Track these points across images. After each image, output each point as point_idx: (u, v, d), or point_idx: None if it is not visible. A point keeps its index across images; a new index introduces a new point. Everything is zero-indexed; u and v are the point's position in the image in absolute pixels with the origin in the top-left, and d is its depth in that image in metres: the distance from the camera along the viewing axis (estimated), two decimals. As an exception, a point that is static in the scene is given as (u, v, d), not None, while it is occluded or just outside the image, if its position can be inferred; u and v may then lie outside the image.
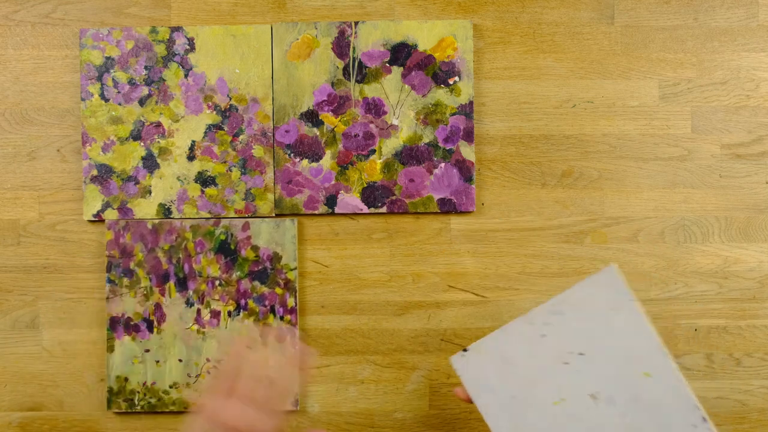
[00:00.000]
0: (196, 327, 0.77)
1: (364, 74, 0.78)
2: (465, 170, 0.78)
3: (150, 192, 0.78)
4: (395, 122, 0.78)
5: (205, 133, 0.78)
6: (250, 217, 0.78)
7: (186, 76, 0.78)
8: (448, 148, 0.78)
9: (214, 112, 0.78)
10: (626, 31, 0.79)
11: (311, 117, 0.78)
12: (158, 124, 0.78)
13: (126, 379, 0.77)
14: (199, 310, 0.77)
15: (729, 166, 0.79)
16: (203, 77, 0.78)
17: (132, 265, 0.77)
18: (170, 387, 0.77)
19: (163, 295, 0.77)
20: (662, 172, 0.79)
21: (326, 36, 0.78)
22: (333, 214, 0.78)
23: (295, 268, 0.77)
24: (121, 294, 0.77)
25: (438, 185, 0.78)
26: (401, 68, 0.78)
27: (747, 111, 0.79)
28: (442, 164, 0.78)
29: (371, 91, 0.78)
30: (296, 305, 0.77)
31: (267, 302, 0.77)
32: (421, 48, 0.78)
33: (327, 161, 0.78)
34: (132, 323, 0.77)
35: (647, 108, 0.79)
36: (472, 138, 0.77)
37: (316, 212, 0.78)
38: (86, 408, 0.79)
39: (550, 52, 0.79)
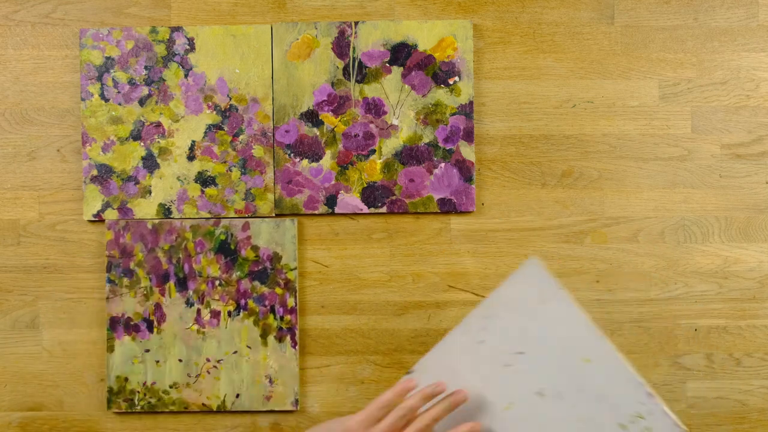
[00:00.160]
0: (196, 327, 0.77)
1: (364, 74, 0.78)
2: (465, 170, 0.78)
3: (150, 192, 0.78)
4: (395, 122, 0.78)
5: (205, 133, 0.78)
6: (250, 217, 0.78)
7: (186, 76, 0.78)
8: (448, 148, 0.78)
9: (214, 112, 0.78)
10: (626, 31, 0.79)
11: (311, 117, 0.78)
12: (158, 124, 0.78)
13: (126, 379, 0.77)
14: (199, 310, 0.77)
15: (729, 166, 0.79)
16: (203, 77, 0.78)
17: (132, 265, 0.77)
18: (170, 387, 0.77)
19: (163, 295, 0.77)
20: (662, 172, 0.79)
21: (326, 36, 0.78)
22: (333, 214, 0.78)
23: (295, 268, 0.77)
24: (121, 294, 0.77)
25: (438, 185, 0.78)
26: (401, 68, 0.78)
27: (747, 111, 0.79)
28: (442, 164, 0.78)
29: (371, 91, 0.78)
30: (296, 305, 0.77)
31: (267, 302, 0.77)
32: (421, 48, 0.78)
33: (327, 161, 0.78)
34: (132, 323, 0.77)
35: (647, 108, 0.79)
36: (472, 138, 0.77)
37: (316, 212, 0.78)
38: (86, 408, 0.79)
39: (550, 52, 0.79)
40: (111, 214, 0.78)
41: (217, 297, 0.77)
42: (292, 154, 0.78)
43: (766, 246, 0.79)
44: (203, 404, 0.77)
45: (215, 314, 0.77)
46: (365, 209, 0.78)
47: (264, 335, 0.77)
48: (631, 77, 0.79)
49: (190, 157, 0.78)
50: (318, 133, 0.78)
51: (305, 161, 0.78)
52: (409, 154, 0.78)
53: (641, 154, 0.79)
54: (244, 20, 0.79)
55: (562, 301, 0.61)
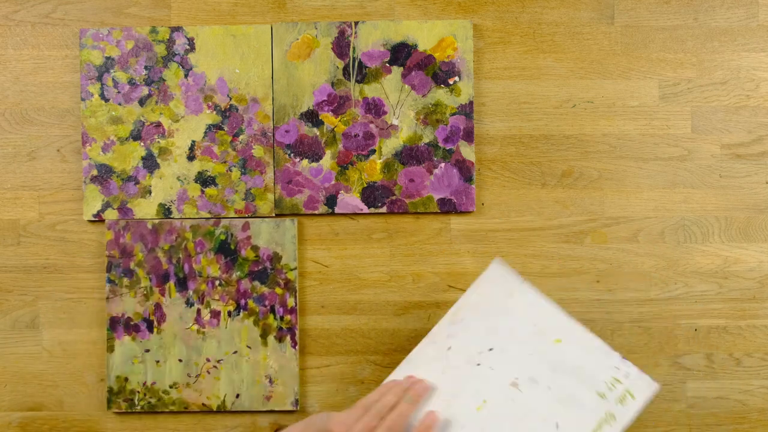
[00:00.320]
0: (196, 327, 0.77)
1: (364, 74, 0.78)
2: (465, 170, 0.78)
3: (150, 192, 0.78)
4: (395, 122, 0.78)
5: (205, 133, 0.78)
6: (250, 217, 0.78)
7: (186, 76, 0.78)
8: (448, 148, 0.78)
9: (214, 112, 0.78)
10: (626, 31, 0.79)
11: (311, 117, 0.78)
12: (158, 124, 0.78)
13: (126, 379, 0.77)
14: (199, 310, 0.77)
15: (729, 166, 0.79)
16: (203, 77, 0.78)
17: (132, 265, 0.77)
18: (170, 387, 0.77)
19: (163, 295, 0.77)
20: (662, 172, 0.79)
21: (326, 36, 0.78)
22: (333, 214, 0.78)
23: (295, 268, 0.77)
24: (121, 294, 0.77)
25: (438, 185, 0.78)
26: (401, 68, 0.78)
27: (747, 111, 0.79)
28: (442, 164, 0.78)
29: (371, 91, 0.78)
30: (296, 305, 0.77)
31: (267, 302, 0.77)
32: (421, 48, 0.78)
33: (327, 161, 0.78)
34: (132, 323, 0.77)
35: (647, 108, 0.79)
36: (472, 138, 0.77)
37: (316, 212, 0.78)
38: (86, 408, 0.79)
39: (550, 52, 0.79)
40: (111, 214, 0.78)
41: (217, 297, 0.77)
42: (292, 154, 0.78)
43: (766, 246, 0.79)
44: (203, 404, 0.77)
45: (215, 314, 0.77)
46: (365, 209, 0.78)
47: (264, 335, 0.77)
48: (631, 77, 0.79)
49: (190, 157, 0.78)
50: (318, 133, 0.78)
51: (305, 161, 0.78)
52: (409, 154, 0.78)
53: (641, 154, 0.79)
54: (244, 20, 0.79)
55: (528, 293, 0.62)
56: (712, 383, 0.79)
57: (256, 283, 0.77)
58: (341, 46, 0.78)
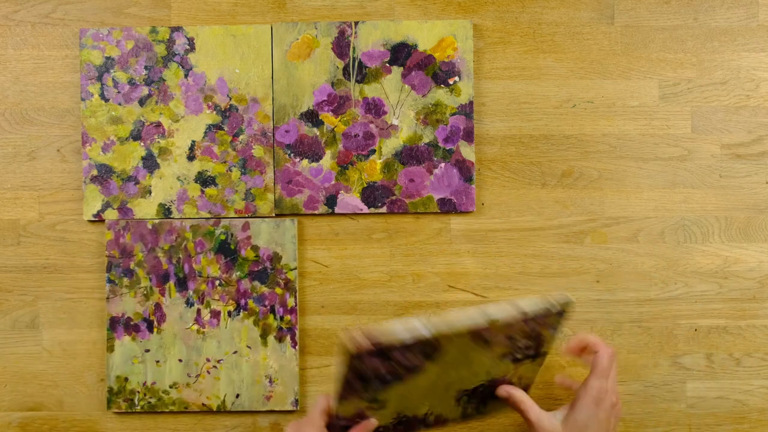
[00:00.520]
0: (196, 327, 0.77)
1: (364, 74, 0.78)
2: (465, 170, 0.78)
3: (150, 192, 0.78)
4: (395, 122, 0.78)
5: (205, 133, 0.78)
6: (250, 217, 0.78)
7: (186, 76, 0.78)
8: (448, 148, 0.78)
9: (214, 112, 0.78)
10: (626, 31, 0.79)
11: (311, 117, 0.78)
12: (158, 124, 0.78)
13: (126, 379, 0.77)
14: (199, 310, 0.77)
15: (729, 166, 0.79)
16: (203, 77, 0.78)
17: (132, 265, 0.77)
18: (170, 387, 0.77)
19: (163, 295, 0.77)
20: (662, 172, 0.79)
21: (326, 36, 0.78)
22: (333, 214, 0.78)
23: (295, 268, 0.77)
24: (121, 294, 0.77)
25: (438, 185, 0.78)
26: (401, 68, 0.78)
27: (747, 111, 0.79)
28: (442, 164, 0.78)
29: (371, 91, 0.78)
30: (296, 305, 0.77)
31: (267, 302, 0.77)
32: (421, 48, 0.78)
33: (327, 161, 0.78)
34: (132, 323, 0.77)
35: (647, 108, 0.79)
36: (472, 138, 0.77)
37: (316, 212, 0.78)
38: (86, 408, 0.79)
39: (550, 52, 0.79)
40: (111, 214, 0.78)
41: (217, 297, 0.77)
42: (292, 154, 0.78)
43: (766, 246, 0.79)
44: (203, 404, 0.77)
45: (215, 314, 0.77)
46: (365, 209, 0.78)
47: (264, 335, 0.77)
48: (631, 77, 0.79)
49: (190, 157, 0.78)
50: (318, 133, 0.78)
51: (305, 161, 0.78)
52: (409, 154, 0.78)
53: (641, 154, 0.79)
54: (244, 20, 0.79)
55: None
56: (712, 383, 0.79)
57: (256, 283, 0.77)
58: (341, 46, 0.78)
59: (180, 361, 0.77)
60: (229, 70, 0.78)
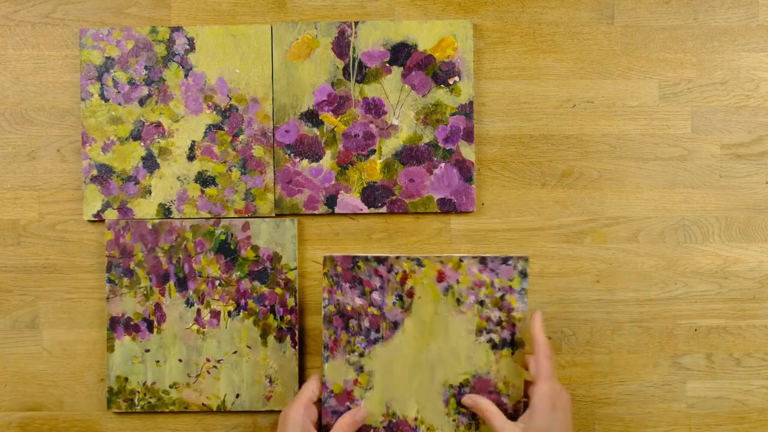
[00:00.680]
0: (196, 327, 0.77)
1: (364, 74, 0.78)
2: (465, 170, 0.78)
3: (150, 192, 0.78)
4: (395, 122, 0.78)
5: (205, 133, 0.78)
6: (250, 217, 0.78)
7: (186, 76, 0.78)
8: (448, 148, 0.78)
9: (214, 112, 0.78)
10: (626, 31, 0.79)
11: (311, 117, 0.78)
12: (158, 124, 0.78)
13: (126, 379, 0.77)
14: (199, 310, 0.77)
15: (729, 166, 0.79)
16: (203, 77, 0.78)
17: (132, 265, 0.77)
18: (170, 387, 0.77)
19: (163, 295, 0.77)
20: (662, 172, 0.79)
21: (326, 36, 0.78)
22: (333, 214, 0.78)
23: (295, 268, 0.77)
24: (121, 294, 0.77)
25: (438, 185, 0.78)
26: (401, 68, 0.78)
27: (747, 111, 0.79)
28: (442, 164, 0.78)
29: (371, 91, 0.78)
30: (296, 305, 0.77)
31: (267, 302, 0.77)
32: (421, 48, 0.78)
33: (327, 161, 0.78)
34: (132, 323, 0.77)
35: (647, 108, 0.79)
36: (472, 138, 0.77)
37: (316, 212, 0.78)
38: (86, 408, 0.79)
39: (550, 52, 0.79)
40: (111, 214, 0.78)
41: (217, 297, 0.77)
42: (292, 154, 0.78)
43: (766, 246, 0.79)
44: (203, 404, 0.77)
45: (215, 314, 0.77)
46: (365, 209, 0.78)
47: (264, 335, 0.77)
48: (631, 77, 0.79)
49: (190, 157, 0.78)
50: (318, 133, 0.78)
51: (305, 161, 0.78)
52: (409, 154, 0.78)
53: (641, 154, 0.79)
54: (244, 20, 0.79)
55: None
56: (712, 383, 0.79)
57: (256, 283, 0.77)
58: (341, 46, 0.78)
59: (180, 361, 0.77)
60: (229, 70, 0.78)
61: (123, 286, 0.77)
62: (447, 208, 0.78)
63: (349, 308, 0.69)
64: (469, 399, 0.68)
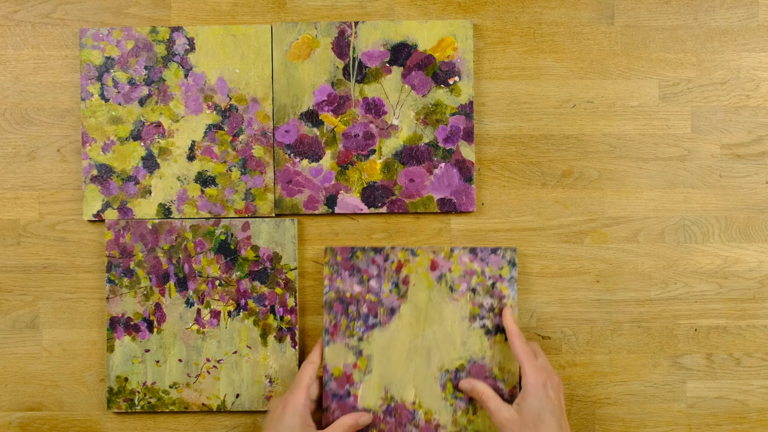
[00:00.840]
0: (196, 327, 0.77)
1: (364, 74, 0.78)
2: (465, 170, 0.78)
3: (150, 192, 0.78)
4: (395, 122, 0.78)
5: (205, 133, 0.78)
6: (250, 217, 0.78)
7: (186, 76, 0.78)
8: (448, 148, 0.78)
9: (214, 112, 0.78)
10: (626, 31, 0.79)
11: (311, 117, 0.78)
12: (158, 124, 0.78)
13: (126, 379, 0.77)
14: (199, 310, 0.77)
15: (729, 166, 0.79)
16: (203, 77, 0.78)
17: (132, 265, 0.77)
18: (170, 387, 0.77)
19: (163, 295, 0.77)
20: (662, 172, 0.79)
21: (326, 36, 0.78)
22: (333, 214, 0.78)
23: (295, 268, 0.77)
24: (121, 294, 0.77)
25: (438, 185, 0.78)
26: (401, 68, 0.78)
27: (747, 111, 0.79)
28: (442, 164, 0.78)
29: (371, 91, 0.78)
30: (296, 305, 0.77)
31: (267, 302, 0.77)
32: (421, 48, 0.78)
33: (327, 161, 0.78)
34: (132, 323, 0.77)
35: (647, 108, 0.79)
36: (472, 138, 0.77)
37: (316, 212, 0.78)
38: (86, 408, 0.79)
39: (550, 52, 0.79)
40: (111, 214, 0.78)
41: (217, 297, 0.77)
42: (292, 154, 0.78)
43: (766, 246, 0.79)
44: (203, 404, 0.77)
45: (215, 314, 0.77)
46: (365, 209, 0.78)
47: (264, 335, 0.77)
48: (631, 77, 0.79)
49: (190, 157, 0.78)
50: (318, 133, 0.78)
51: (305, 161, 0.78)
52: (409, 154, 0.78)
53: (641, 154, 0.79)
54: (244, 20, 0.79)
55: None
56: (712, 383, 0.79)
57: (256, 283, 0.77)
58: (341, 46, 0.78)
59: (180, 361, 0.77)
60: (229, 70, 0.78)
61: (123, 286, 0.77)
62: (447, 208, 0.78)
63: (348, 295, 0.73)
64: (466, 383, 0.71)
